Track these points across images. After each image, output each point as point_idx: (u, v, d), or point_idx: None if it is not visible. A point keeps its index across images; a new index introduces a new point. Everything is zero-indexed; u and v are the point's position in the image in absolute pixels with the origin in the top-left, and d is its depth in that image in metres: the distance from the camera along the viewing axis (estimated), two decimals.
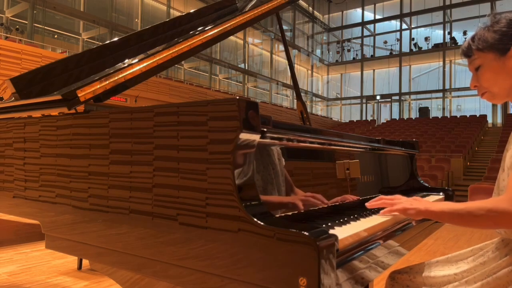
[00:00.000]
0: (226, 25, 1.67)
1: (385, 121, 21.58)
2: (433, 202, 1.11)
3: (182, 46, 1.48)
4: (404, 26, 24.15)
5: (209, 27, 1.62)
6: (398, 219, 1.22)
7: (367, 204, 1.21)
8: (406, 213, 1.11)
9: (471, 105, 21.52)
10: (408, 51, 23.65)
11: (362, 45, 25.72)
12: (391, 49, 24.44)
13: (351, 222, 1.05)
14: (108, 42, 1.63)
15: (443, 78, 22.22)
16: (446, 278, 1.19)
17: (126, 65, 1.33)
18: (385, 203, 1.17)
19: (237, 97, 0.84)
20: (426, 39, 23.05)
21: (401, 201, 1.15)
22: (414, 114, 23.69)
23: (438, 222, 1.51)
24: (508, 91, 1.12)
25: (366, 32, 25.65)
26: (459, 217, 1.01)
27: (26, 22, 12.67)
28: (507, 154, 1.09)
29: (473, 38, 1.15)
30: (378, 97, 24.84)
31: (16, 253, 3.69)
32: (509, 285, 1.05)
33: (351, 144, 1.43)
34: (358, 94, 25.71)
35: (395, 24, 24.70)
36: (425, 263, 1.31)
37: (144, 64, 1.36)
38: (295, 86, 2.39)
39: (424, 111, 22.42)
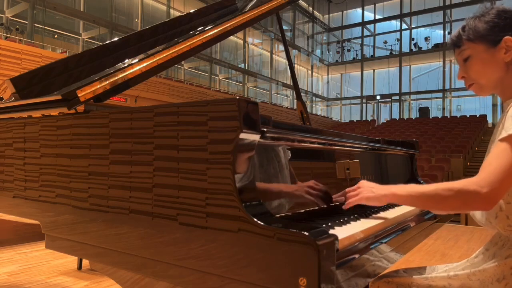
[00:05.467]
0: (226, 25, 1.66)
1: (385, 121, 21.56)
2: (399, 185, 1.05)
3: (182, 46, 1.48)
4: (404, 26, 24.15)
5: (209, 27, 1.62)
6: (398, 219, 1.22)
7: (344, 207, 1.14)
8: (368, 201, 1.08)
9: (471, 105, 21.53)
10: (408, 51, 23.64)
11: (362, 45, 25.71)
12: (391, 49, 24.43)
13: (351, 222, 1.05)
14: (108, 42, 1.63)
15: (443, 78, 22.22)
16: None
17: (126, 65, 1.33)
18: (350, 195, 1.13)
19: (237, 97, 0.84)
20: (426, 39, 23.04)
21: (362, 190, 1.09)
22: (414, 114, 23.68)
23: (438, 221, 1.51)
24: (495, 83, 1.11)
25: (366, 32, 25.65)
26: (428, 199, 0.98)
27: (26, 22, 12.67)
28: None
29: (463, 28, 1.14)
30: (378, 97, 24.84)
31: (16, 253, 3.69)
32: (494, 277, 1.06)
33: (351, 144, 1.43)
34: (358, 94, 25.70)
35: (395, 24, 24.69)
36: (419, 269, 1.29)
37: (144, 64, 1.35)
38: (295, 86, 2.39)
39: (424, 111, 22.41)
